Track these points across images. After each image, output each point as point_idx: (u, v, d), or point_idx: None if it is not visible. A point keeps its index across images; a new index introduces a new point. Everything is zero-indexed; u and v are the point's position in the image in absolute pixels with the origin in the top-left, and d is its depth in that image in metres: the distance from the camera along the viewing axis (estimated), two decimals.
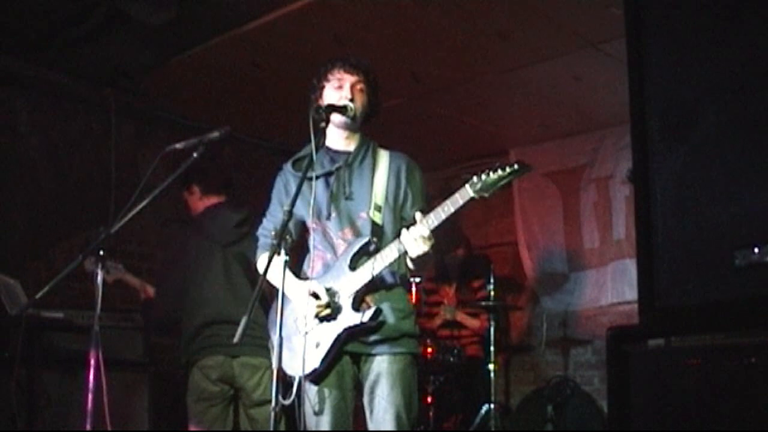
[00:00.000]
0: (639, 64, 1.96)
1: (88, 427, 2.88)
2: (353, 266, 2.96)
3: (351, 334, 2.93)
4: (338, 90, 3.09)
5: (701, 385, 1.71)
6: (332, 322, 2.94)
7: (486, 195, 2.78)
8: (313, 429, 2.98)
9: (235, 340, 2.56)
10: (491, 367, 5.40)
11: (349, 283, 2.95)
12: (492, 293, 5.56)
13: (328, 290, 2.96)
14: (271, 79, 5.35)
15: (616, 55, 4.67)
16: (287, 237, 2.78)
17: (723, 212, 1.77)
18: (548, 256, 6.44)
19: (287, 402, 2.86)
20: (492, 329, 5.45)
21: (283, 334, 2.94)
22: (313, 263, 3.08)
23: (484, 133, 6.37)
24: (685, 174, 1.84)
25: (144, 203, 2.95)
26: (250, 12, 4.60)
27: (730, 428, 1.66)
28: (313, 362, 2.94)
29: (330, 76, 3.12)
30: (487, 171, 2.78)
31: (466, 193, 2.79)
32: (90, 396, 2.90)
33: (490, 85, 5.44)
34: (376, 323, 2.92)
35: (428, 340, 5.46)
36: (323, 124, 2.97)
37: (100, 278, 2.97)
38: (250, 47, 4.95)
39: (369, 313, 2.89)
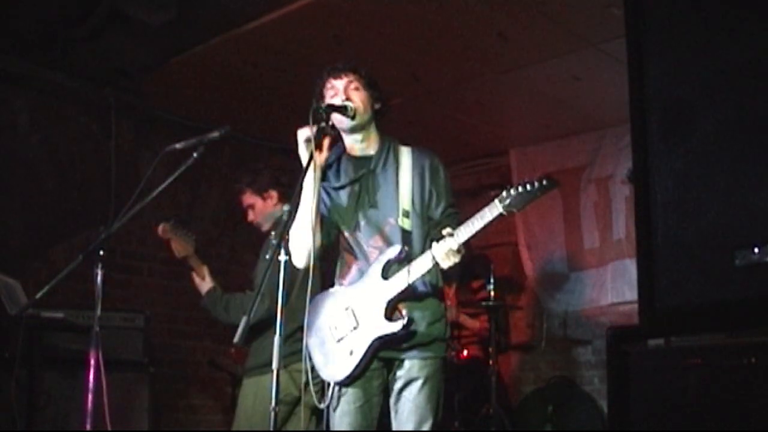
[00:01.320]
0: (639, 64, 1.96)
1: (88, 427, 2.88)
2: (385, 275, 2.96)
3: (384, 342, 2.94)
4: (334, 98, 3.06)
5: (701, 385, 1.71)
6: (364, 331, 2.95)
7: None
8: (335, 428, 3.00)
9: (236, 340, 2.56)
10: (491, 367, 5.40)
11: (382, 292, 2.95)
12: (492, 293, 5.55)
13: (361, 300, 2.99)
14: (271, 79, 5.35)
15: (616, 55, 4.66)
16: (287, 237, 2.80)
17: (723, 212, 1.76)
18: (548, 256, 6.43)
19: (322, 406, 2.97)
20: (492, 329, 5.45)
21: (319, 338, 3.02)
22: (348, 270, 3.10)
23: (484, 133, 6.37)
24: (685, 174, 1.84)
25: (144, 203, 2.95)
26: (250, 12, 4.60)
27: (730, 428, 1.66)
28: (347, 369, 2.97)
29: (324, 91, 3.10)
30: (516, 186, 2.77)
31: (495, 208, 2.78)
32: (90, 396, 2.90)
33: (490, 85, 5.43)
34: (407, 332, 2.93)
35: None
36: (323, 124, 2.96)
37: (100, 278, 2.97)
38: (250, 47, 4.95)
39: (401, 323, 2.90)
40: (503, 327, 6.32)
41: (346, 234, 3.09)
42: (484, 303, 5.59)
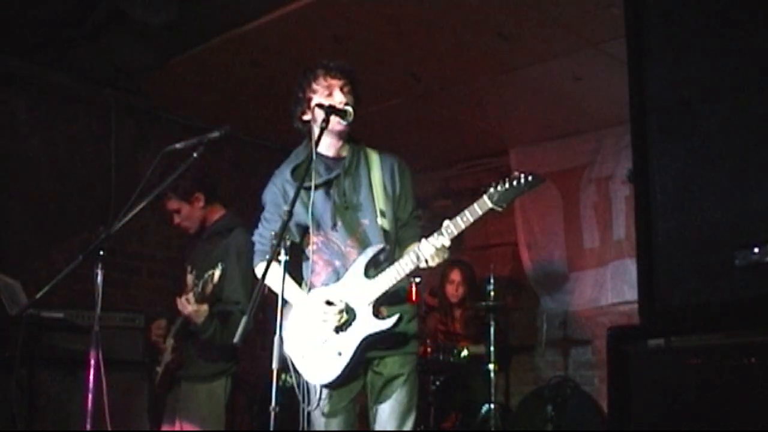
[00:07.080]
0: (639, 64, 1.96)
1: (88, 427, 2.87)
2: (368, 274, 2.98)
3: (373, 341, 2.96)
4: (329, 98, 3.06)
5: (701, 385, 1.71)
6: (352, 330, 2.95)
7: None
8: (323, 429, 3.02)
9: (236, 340, 2.56)
10: (491, 367, 5.39)
11: (366, 291, 2.96)
12: (492, 293, 5.55)
13: (341, 301, 2.99)
14: (271, 79, 5.35)
15: (616, 55, 4.67)
16: (287, 239, 2.79)
17: (723, 212, 1.76)
18: (548, 256, 6.43)
19: (310, 409, 2.98)
20: (492, 329, 5.45)
21: (298, 348, 3.00)
22: (319, 272, 3.10)
23: (484, 133, 6.37)
24: (685, 174, 1.84)
25: (144, 203, 2.95)
26: (250, 12, 4.60)
27: (730, 428, 1.66)
28: (337, 370, 2.96)
29: (315, 86, 3.10)
30: (503, 182, 2.81)
31: (485, 204, 2.82)
32: (90, 396, 2.90)
33: (490, 85, 5.44)
34: (393, 331, 2.96)
35: (427, 341, 5.46)
36: (323, 125, 2.97)
37: (100, 278, 2.97)
38: (250, 47, 4.96)
39: (392, 320, 2.93)
40: (503, 327, 6.31)
41: (318, 235, 3.08)
42: (484, 303, 5.58)
